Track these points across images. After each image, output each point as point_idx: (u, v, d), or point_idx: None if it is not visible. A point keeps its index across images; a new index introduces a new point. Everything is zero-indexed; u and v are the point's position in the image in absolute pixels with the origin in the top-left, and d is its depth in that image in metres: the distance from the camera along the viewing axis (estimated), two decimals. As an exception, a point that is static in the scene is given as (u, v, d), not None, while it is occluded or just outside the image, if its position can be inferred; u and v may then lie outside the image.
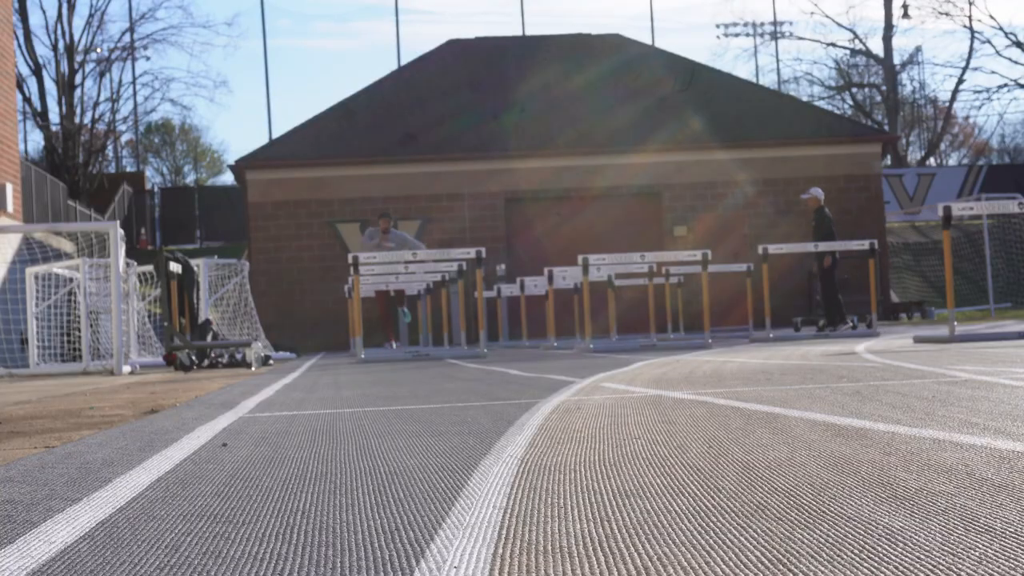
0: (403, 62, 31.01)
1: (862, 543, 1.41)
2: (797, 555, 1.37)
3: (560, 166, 24.11)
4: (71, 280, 14.09)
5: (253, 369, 10.02)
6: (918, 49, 61.15)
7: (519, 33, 32.00)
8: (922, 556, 1.33)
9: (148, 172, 46.66)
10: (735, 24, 44.81)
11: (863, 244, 13.30)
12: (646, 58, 27.34)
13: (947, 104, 48.69)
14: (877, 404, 3.27)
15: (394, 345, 14.64)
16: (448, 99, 25.76)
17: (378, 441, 2.90)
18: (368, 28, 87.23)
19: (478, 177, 23.92)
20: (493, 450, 2.56)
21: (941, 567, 1.28)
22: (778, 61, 58.48)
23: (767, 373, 5.19)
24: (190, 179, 57.24)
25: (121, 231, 10.87)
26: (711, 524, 1.58)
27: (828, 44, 49.64)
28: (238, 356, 11.27)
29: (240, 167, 24.04)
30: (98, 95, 40.85)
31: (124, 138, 45.95)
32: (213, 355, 11.35)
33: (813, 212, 15.27)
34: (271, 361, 12.11)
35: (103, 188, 36.90)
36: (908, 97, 48.90)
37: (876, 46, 51.88)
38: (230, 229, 36.73)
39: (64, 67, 38.32)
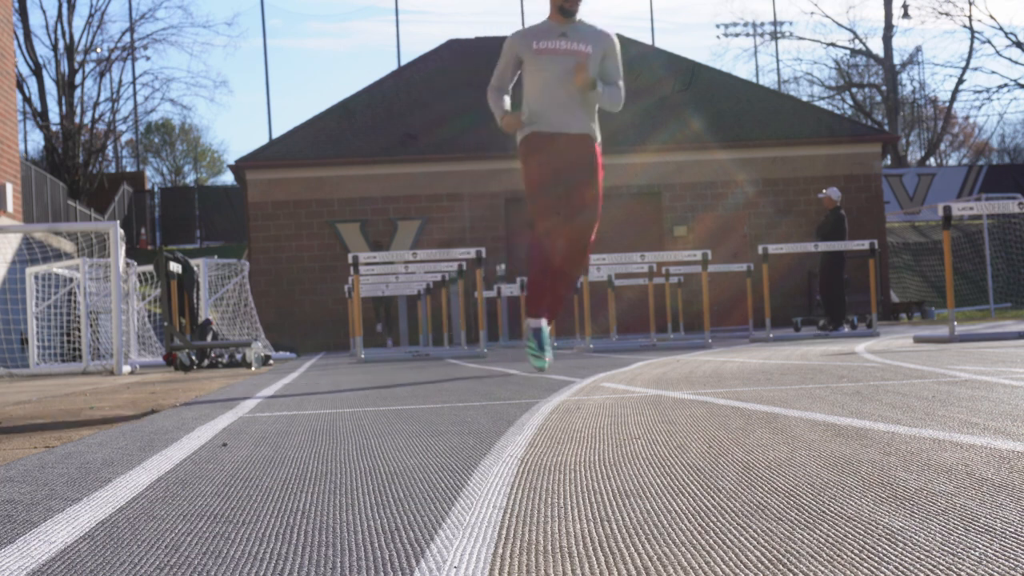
0: (403, 62, 31.03)
1: (862, 543, 1.41)
2: (797, 555, 1.37)
3: (560, 166, 24.10)
4: (71, 280, 14.09)
5: (253, 369, 10.02)
6: (918, 49, 61.24)
7: (519, 33, 31.98)
8: (922, 556, 1.33)
9: (148, 172, 46.66)
10: (735, 24, 44.88)
11: (863, 244, 13.30)
12: (646, 58, 27.33)
13: (947, 104, 48.73)
14: (877, 404, 3.27)
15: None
16: (448, 99, 25.76)
17: (378, 441, 2.90)
18: (367, 28, 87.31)
19: (478, 177, 23.92)
20: (493, 450, 2.56)
21: (941, 567, 1.28)
22: (778, 61, 58.56)
23: (767, 373, 5.18)
24: (190, 179, 57.29)
25: (121, 231, 10.87)
26: (711, 524, 1.58)
27: (828, 44, 49.70)
28: (238, 356, 11.27)
29: (240, 167, 24.04)
30: (98, 95, 40.93)
31: (124, 138, 45.98)
32: (213, 355, 11.36)
33: (828, 212, 15.31)
34: (271, 361, 12.11)
35: (103, 188, 36.91)
36: (908, 97, 48.91)
37: (876, 46, 51.93)
38: (230, 229, 36.75)
39: (64, 67, 38.33)
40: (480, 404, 3.99)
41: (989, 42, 63.25)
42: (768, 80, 48.32)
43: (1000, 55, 47.53)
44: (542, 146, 6.28)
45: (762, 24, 44.30)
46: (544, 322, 6.35)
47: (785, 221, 23.96)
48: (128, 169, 45.52)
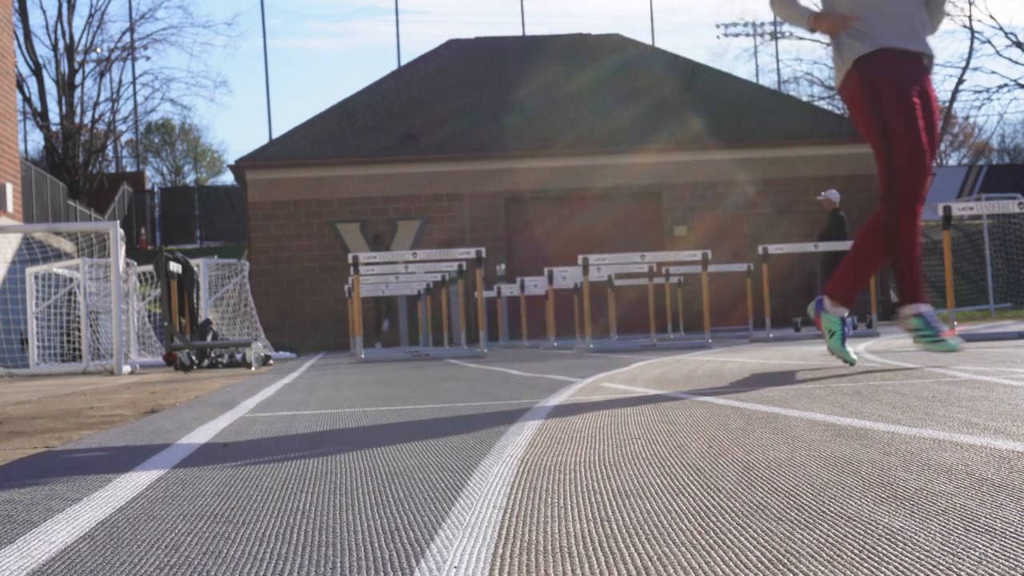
0: (403, 62, 31.03)
1: (862, 543, 1.41)
2: (797, 555, 1.37)
3: (560, 166, 24.11)
4: (71, 280, 14.09)
5: (253, 369, 10.02)
6: (918, 49, 61.16)
7: (519, 33, 32.00)
8: (922, 556, 1.33)
9: (148, 172, 46.67)
10: (735, 24, 44.85)
11: (863, 244, 13.27)
12: (646, 58, 27.33)
13: (947, 104, 48.71)
14: (877, 404, 3.26)
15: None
16: (448, 99, 25.76)
17: (378, 441, 2.90)
18: (367, 28, 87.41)
19: (478, 177, 23.91)
20: (493, 450, 2.56)
21: (941, 567, 1.28)
22: (778, 61, 58.65)
23: (767, 373, 5.18)
24: (190, 179, 57.30)
25: (121, 231, 10.87)
26: (711, 524, 1.58)
27: (828, 44, 49.68)
28: (238, 356, 11.27)
29: (240, 167, 24.04)
30: (98, 95, 40.96)
31: (124, 138, 45.99)
32: (213, 355, 11.36)
33: (828, 214, 15.34)
34: (271, 361, 12.11)
35: (103, 188, 36.93)
36: (908, 97, 48.89)
37: (876, 46, 51.81)
38: (230, 229, 36.76)
39: (64, 67, 38.33)
40: (480, 404, 3.99)
41: (989, 42, 63.18)
42: (768, 80, 48.35)
43: (1000, 55, 47.47)
44: (895, 65, 4.69)
45: (762, 24, 44.30)
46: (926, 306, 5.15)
47: (785, 221, 23.96)
48: (128, 169, 45.53)
